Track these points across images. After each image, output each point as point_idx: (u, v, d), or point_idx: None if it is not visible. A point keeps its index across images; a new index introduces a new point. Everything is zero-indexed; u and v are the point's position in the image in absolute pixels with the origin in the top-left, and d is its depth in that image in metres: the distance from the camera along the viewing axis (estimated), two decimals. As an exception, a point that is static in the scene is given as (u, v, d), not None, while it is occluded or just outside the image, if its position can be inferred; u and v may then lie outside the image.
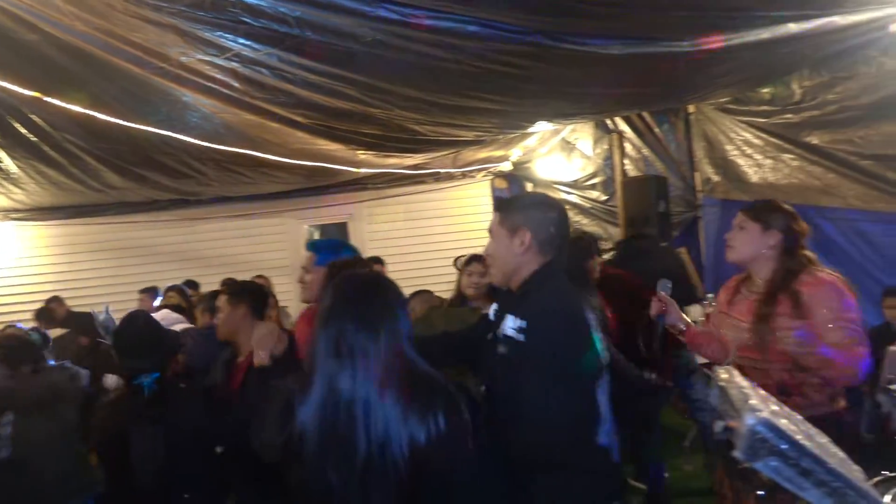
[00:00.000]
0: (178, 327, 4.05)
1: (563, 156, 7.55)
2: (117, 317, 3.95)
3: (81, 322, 5.08)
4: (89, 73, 3.68)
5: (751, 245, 2.31)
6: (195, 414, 2.37)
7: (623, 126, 6.80)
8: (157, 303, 5.61)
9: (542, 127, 6.30)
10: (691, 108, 6.23)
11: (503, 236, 1.97)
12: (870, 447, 3.81)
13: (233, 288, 2.94)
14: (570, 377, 1.74)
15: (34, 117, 4.31)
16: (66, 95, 3.86)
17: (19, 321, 4.86)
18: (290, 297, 6.33)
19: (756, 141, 5.42)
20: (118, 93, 3.93)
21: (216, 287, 5.82)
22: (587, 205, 7.49)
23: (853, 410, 2.27)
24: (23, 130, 4.47)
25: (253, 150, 5.15)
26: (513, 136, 6.57)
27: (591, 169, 7.33)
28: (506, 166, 8.06)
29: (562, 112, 5.64)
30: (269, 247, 7.62)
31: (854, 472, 1.18)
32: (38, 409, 3.12)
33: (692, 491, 4.11)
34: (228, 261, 7.20)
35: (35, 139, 4.63)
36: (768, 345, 2.20)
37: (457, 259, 3.20)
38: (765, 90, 5.15)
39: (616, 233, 7.00)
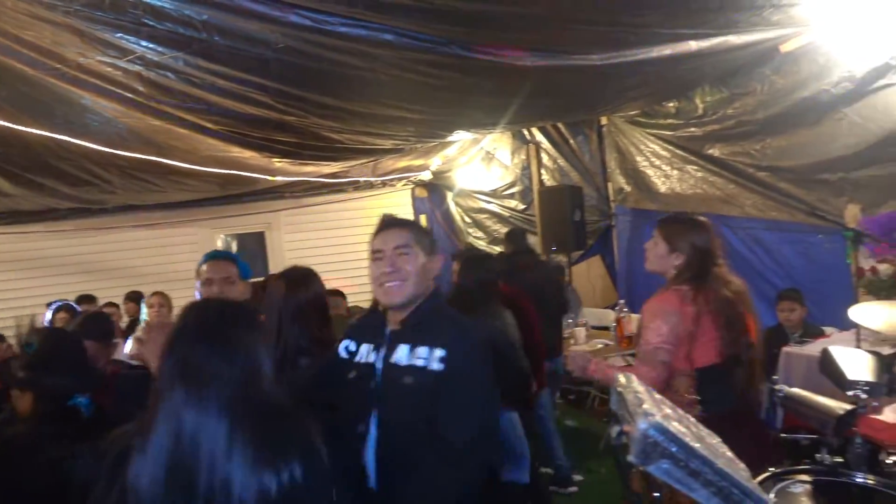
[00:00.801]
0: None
1: (482, 165, 7.65)
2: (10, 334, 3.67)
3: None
4: (-27, 72, 3.44)
5: (660, 262, 2.44)
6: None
7: (540, 137, 6.97)
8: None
9: (460, 136, 6.36)
10: (604, 121, 6.46)
11: (422, 255, 1.88)
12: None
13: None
14: (494, 402, 1.80)
15: (-89, 119, 3.98)
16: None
17: None
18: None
19: (664, 153, 5.67)
20: (8, 94, 3.67)
21: (119, 301, 5.51)
22: (506, 213, 7.61)
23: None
24: None
25: (160, 156, 4.93)
26: (432, 144, 6.61)
27: (509, 178, 7.46)
28: (426, 175, 8.09)
29: (479, 122, 5.72)
30: (180, 258, 7.30)
31: (740, 470, 1.23)
32: None
33: (607, 494, 4.22)
34: (135, 273, 6.87)
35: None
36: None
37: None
38: (670, 104, 5.40)
39: (534, 241, 7.15)
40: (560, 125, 6.71)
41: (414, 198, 8.45)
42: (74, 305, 5.04)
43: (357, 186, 7.84)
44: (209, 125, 4.36)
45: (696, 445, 1.15)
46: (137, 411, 1.45)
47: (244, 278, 2.65)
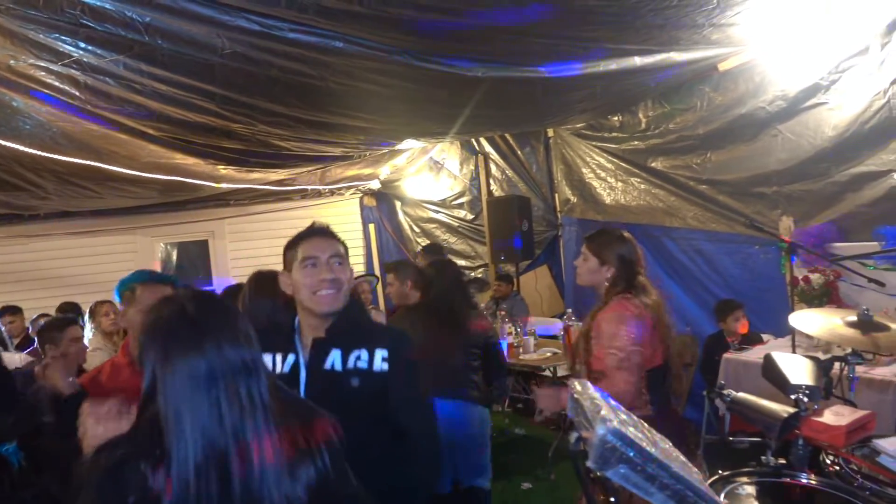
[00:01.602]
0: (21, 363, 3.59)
1: (431, 175, 7.67)
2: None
3: None
4: None
5: (591, 276, 2.53)
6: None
7: (489, 148, 7.03)
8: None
9: (410, 145, 6.36)
10: (550, 133, 6.57)
11: (349, 266, 1.94)
12: (711, 448, 4.15)
13: None
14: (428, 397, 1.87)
15: None
16: None
17: None
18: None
19: (608, 165, 5.81)
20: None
21: (53, 311, 5.25)
22: (455, 223, 7.64)
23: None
24: None
25: (98, 161, 4.74)
26: (382, 153, 6.58)
27: (458, 188, 7.50)
28: (374, 184, 8.05)
29: (429, 131, 5.73)
30: (119, 266, 7.01)
31: (694, 473, 1.26)
32: None
33: (556, 501, 4.26)
34: (72, 282, 6.58)
35: None
36: (580, 363, 2.45)
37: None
38: (615, 118, 5.54)
39: (483, 251, 7.20)
40: (508, 136, 6.80)
41: (362, 207, 8.40)
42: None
43: (305, 195, 7.74)
44: (151, 131, 4.22)
45: (652, 450, 1.17)
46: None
47: None
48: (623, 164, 5.61)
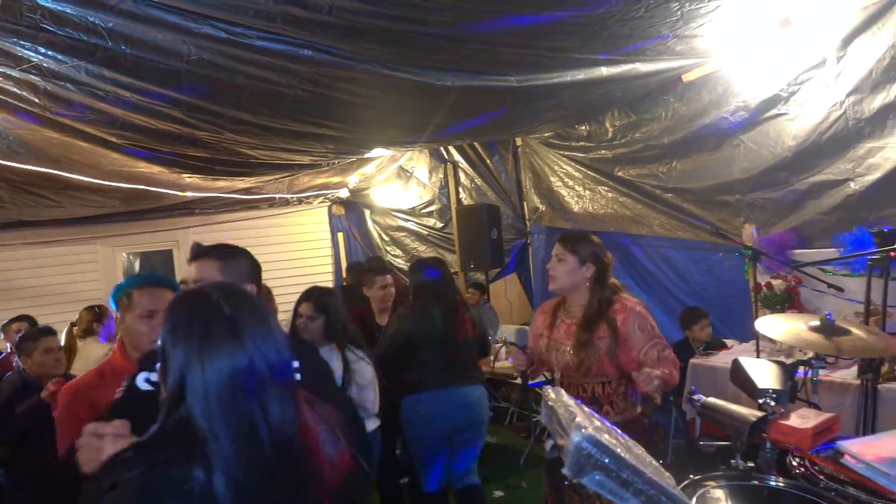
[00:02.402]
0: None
1: (400, 183, 7.66)
2: None
3: None
4: None
5: (570, 277, 2.50)
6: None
7: (457, 156, 7.06)
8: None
9: (379, 153, 6.34)
10: (519, 142, 6.62)
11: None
12: (680, 452, 4.21)
13: None
14: None
15: None
16: None
17: None
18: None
19: (576, 174, 5.88)
20: None
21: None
22: (424, 232, 7.64)
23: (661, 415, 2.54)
24: None
25: (57, 170, 4.62)
26: (350, 161, 6.55)
27: (427, 197, 7.50)
28: (343, 193, 8.01)
29: (398, 140, 5.73)
30: (80, 277, 6.87)
31: (666, 478, 1.27)
32: None
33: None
34: (29, 294, 6.39)
35: None
36: (588, 365, 2.43)
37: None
38: (582, 128, 5.61)
39: (453, 259, 7.20)
40: (477, 145, 6.83)
41: (331, 215, 8.34)
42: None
43: (272, 203, 7.66)
44: (113, 139, 4.13)
45: (627, 456, 1.18)
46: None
47: None
48: (590, 173, 5.68)
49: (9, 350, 4.67)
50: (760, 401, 1.63)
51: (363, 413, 3.10)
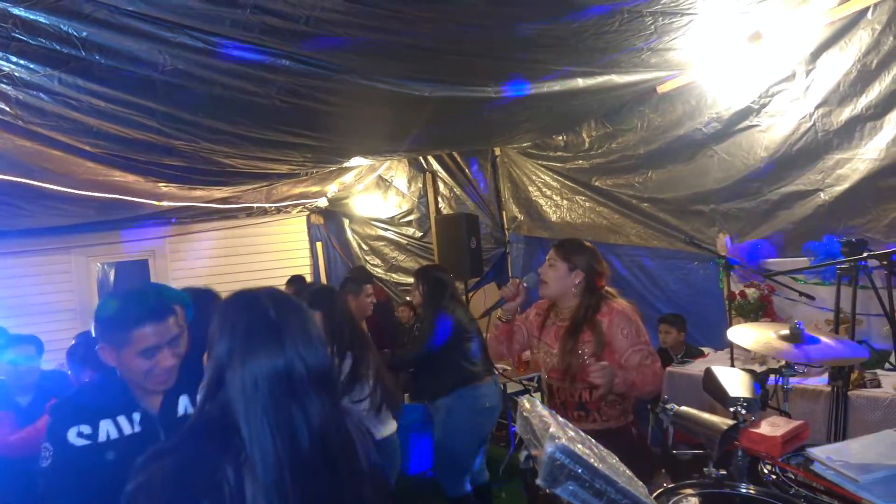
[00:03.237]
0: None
1: (379, 193, 7.66)
2: None
3: None
4: None
5: (560, 283, 2.53)
6: None
7: (436, 166, 7.08)
8: None
9: (358, 162, 6.34)
10: (497, 151, 6.67)
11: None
12: (658, 460, 4.24)
13: None
14: None
15: None
16: None
17: None
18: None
19: (554, 183, 5.93)
20: None
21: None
22: (403, 241, 7.64)
23: (642, 424, 2.54)
24: None
25: (29, 179, 4.55)
26: (329, 170, 6.53)
27: (406, 206, 7.51)
28: (322, 202, 7.99)
29: (377, 149, 5.74)
30: (52, 287, 6.76)
31: (639, 488, 1.29)
32: None
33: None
34: (1, 304, 6.25)
35: None
36: (574, 371, 2.44)
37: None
38: (560, 138, 5.67)
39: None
40: (455, 154, 6.86)
41: (310, 225, 8.31)
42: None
43: (250, 213, 7.61)
44: (87, 148, 4.07)
45: (600, 466, 1.19)
46: None
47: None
48: (568, 183, 5.73)
49: None
50: (732, 409, 1.66)
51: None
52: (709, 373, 1.85)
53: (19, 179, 4.54)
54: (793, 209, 3.97)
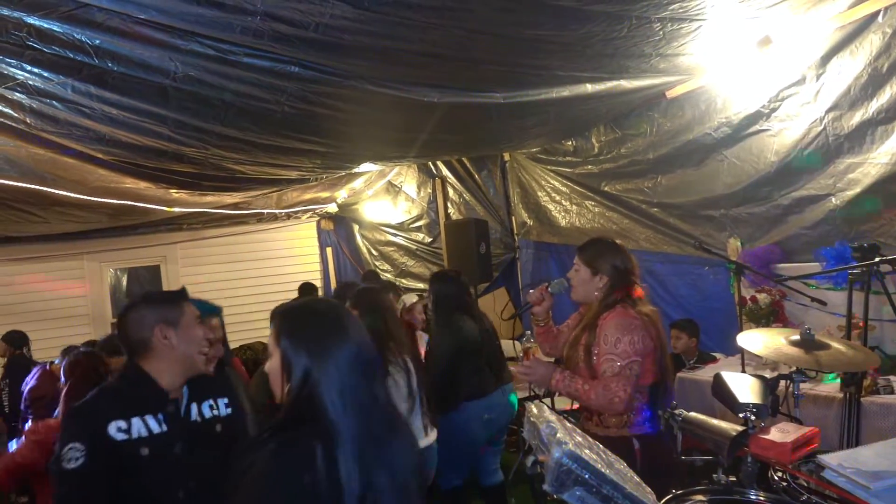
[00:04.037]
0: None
1: (389, 198, 7.68)
2: None
3: None
4: None
5: (584, 287, 2.50)
6: None
7: (446, 171, 7.09)
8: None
9: (367, 168, 6.37)
10: (507, 157, 6.67)
11: None
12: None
13: None
14: None
15: None
16: None
17: None
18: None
19: (563, 188, 5.92)
20: None
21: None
22: (413, 246, 7.65)
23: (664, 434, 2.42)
24: None
25: (43, 186, 4.60)
26: (339, 176, 6.57)
27: (416, 212, 7.52)
28: (332, 208, 8.02)
29: (386, 155, 5.76)
30: (65, 293, 6.81)
31: (647, 494, 1.28)
32: None
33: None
34: (14, 310, 6.32)
35: None
36: (572, 366, 2.44)
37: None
38: (569, 143, 5.67)
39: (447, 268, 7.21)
40: (465, 160, 6.87)
41: (319, 231, 8.34)
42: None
43: (261, 218, 7.65)
44: (100, 155, 4.12)
45: (607, 471, 1.19)
46: None
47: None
48: (577, 188, 5.73)
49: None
50: (741, 415, 1.65)
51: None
52: (718, 378, 1.84)
53: (33, 186, 4.59)
54: (803, 214, 3.94)
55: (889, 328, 3.35)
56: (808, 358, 2.06)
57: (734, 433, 1.56)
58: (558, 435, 1.22)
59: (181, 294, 2.00)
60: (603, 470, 1.18)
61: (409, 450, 1.49)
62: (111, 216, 5.97)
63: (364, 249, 8.26)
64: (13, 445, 3.29)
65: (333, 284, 8.22)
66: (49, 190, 4.71)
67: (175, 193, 5.54)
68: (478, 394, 3.66)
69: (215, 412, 1.98)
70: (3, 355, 5.41)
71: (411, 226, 7.61)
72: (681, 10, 3.06)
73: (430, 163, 7.03)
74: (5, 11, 2.39)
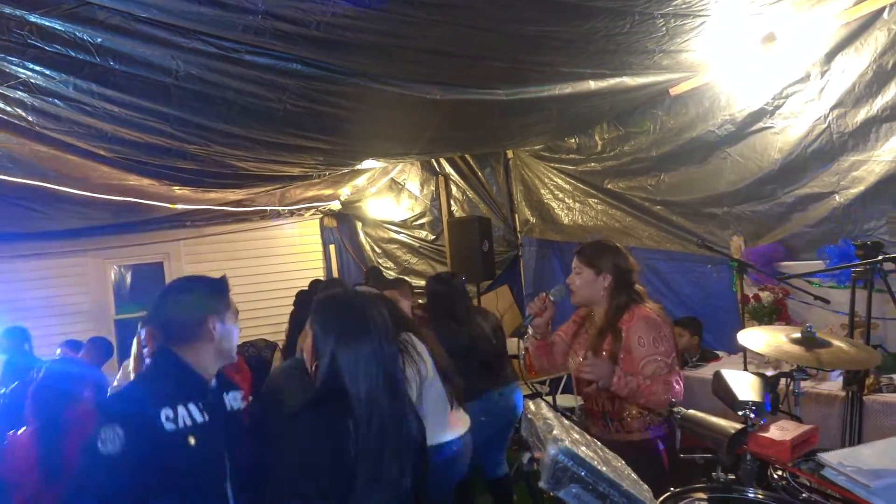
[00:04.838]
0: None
1: (392, 196, 7.68)
2: None
3: None
4: None
5: (588, 289, 2.48)
6: None
7: (449, 169, 7.09)
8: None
9: (370, 164, 6.37)
10: (510, 154, 6.66)
11: None
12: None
13: None
14: None
15: None
16: None
17: None
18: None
19: (566, 186, 5.91)
20: None
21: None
22: (416, 244, 7.65)
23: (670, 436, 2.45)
24: None
25: (45, 183, 4.61)
26: (342, 173, 6.57)
27: (419, 209, 7.52)
28: (335, 205, 8.02)
29: (389, 152, 5.76)
30: (68, 290, 6.82)
31: (644, 491, 1.28)
32: None
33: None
34: (16, 306, 6.32)
35: None
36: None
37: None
38: (572, 140, 5.65)
39: (444, 271, 7.21)
40: (468, 157, 6.86)
41: (323, 228, 8.34)
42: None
43: (264, 216, 7.65)
44: (102, 152, 4.13)
45: (604, 469, 1.19)
46: None
47: None
48: (580, 186, 5.71)
49: None
50: (740, 413, 1.64)
51: None
52: (718, 376, 1.83)
53: (35, 182, 4.61)
54: (807, 212, 3.92)
55: (892, 326, 3.34)
56: (808, 356, 2.05)
57: (733, 431, 1.55)
58: (555, 432, 1.22)
59: (226, 284, 1.98)
60: (599, 467, 1.18)
61: (416, 433, 1.78)
62: (114, 213, 5.97)
63: (367, 247, 8.26)
64: None
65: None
66: (51, 186, 4.72)
67: (178, 190, 5.55)
68: (467, 397, 3.52)
69: (240, 404, 1.99)
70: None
71: (414, 223, 7.61)
72: (684, 6, 3.04)
73: (433, 160, 7.02)
74: (7, 10, 2.40)
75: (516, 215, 6.81)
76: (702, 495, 1.58)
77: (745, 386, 1.74)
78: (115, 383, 3.51)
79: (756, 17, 3.38)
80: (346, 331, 1.73)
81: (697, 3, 3.02)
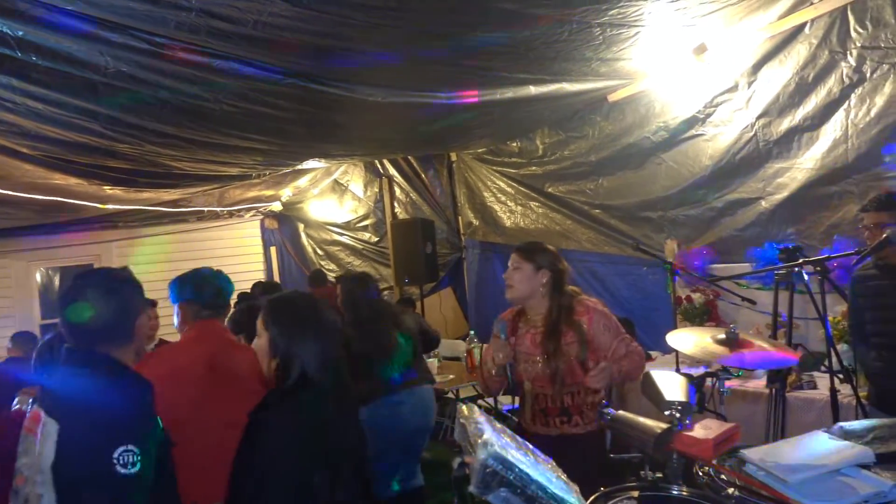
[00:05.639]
0: None
1: (335, 197, 7.60)
2: None
3: None
4: None
5: (527, 284, 2.50)
6: None
7: (392, 170, 7.07)
8: None
9: (312, 165, 6.28)
10: (454, 157, 6.70)
11: None
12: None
13: None
14: None
15: None
16: None
17: None
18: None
19: (508, 189, 5.98)
20: None
21: None
22: (359, 246, 7.59)
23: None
24: None
25: (-36, 182, 4.37)
26: (283, 174, 6.46)
27: (362, 211, 7.46)
28: (276, 206, 7.88)
29: (330, 153, 5.70)
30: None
31: (573, 493, 1.30)
32: None
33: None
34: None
35: None
36: (562, 375, 2.41)
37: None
38: (514, 144, 5.72)
39: (388, 273, 7.18)
40: (412, 159, 6.86)
41: (263, 229, 8.17)
42: None
43: (201, 217, 7.43)
44: (25, 150, 3.93)
45: (532, 472, 1.20)
46: None
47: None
48: (522, 189, 5.79)
49: None
50: (667, 413, 1.69)
51: None
52: (647, 377, 1.88)
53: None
54: (736, 216, 4.09)
55: (813, 326, 3.50)
56: (733, 357, 2.13)
57: (659, 431, 1.60)
58: (485, 436, 1.23)
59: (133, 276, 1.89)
60: (528, 470, 1.20)
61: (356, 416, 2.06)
62: (39, 212, 5.69)
63: (309, 249, 8.14)
64: None
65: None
66: (-30, 186, 4.48)
67: (109, 190, 5.33)
68: (372, 397, 3.49)
69: None
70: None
71: (357, 225, 7.55)
72: (619, 16, 3.13)
73: (376, 161, 6.98)
74: (-85, -2, 2.26)
75: (459, 217, 6.85)
76: (630, 494, 1.62)
77: (672, 386, 1.79)
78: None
79: (688, 28, 3.51)
80: (305, 327, 1.89)
81: (632, 13, 3.11)
